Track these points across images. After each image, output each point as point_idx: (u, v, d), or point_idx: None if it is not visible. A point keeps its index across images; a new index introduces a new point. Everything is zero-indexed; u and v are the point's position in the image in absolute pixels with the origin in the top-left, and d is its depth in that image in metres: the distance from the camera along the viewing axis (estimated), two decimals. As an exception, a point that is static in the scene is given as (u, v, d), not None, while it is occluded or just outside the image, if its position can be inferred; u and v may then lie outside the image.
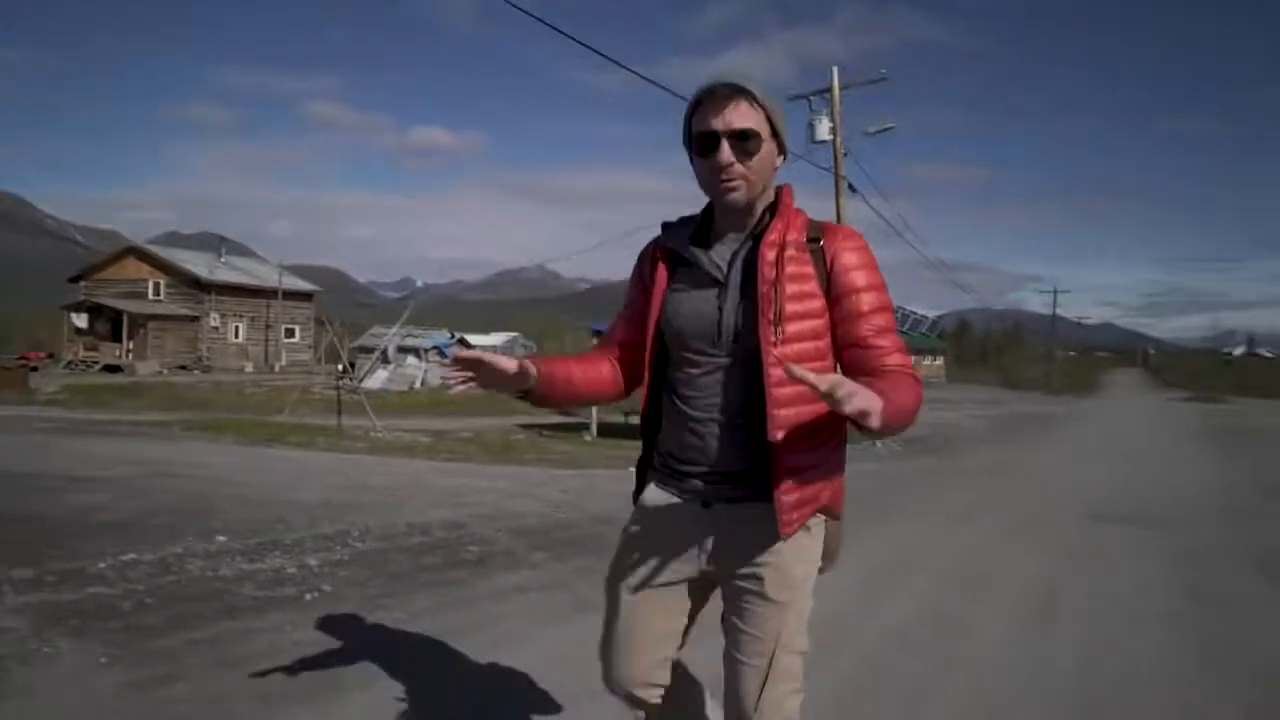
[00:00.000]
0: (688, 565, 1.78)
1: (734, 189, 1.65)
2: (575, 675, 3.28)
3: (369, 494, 7.78)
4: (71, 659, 3.20)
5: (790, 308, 1.63)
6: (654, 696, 1.88)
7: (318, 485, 8.10)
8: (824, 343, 1.68)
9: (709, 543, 1.76)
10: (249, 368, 41.65)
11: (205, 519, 5.90)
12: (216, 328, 43.02)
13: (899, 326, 1.76)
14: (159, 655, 3.28)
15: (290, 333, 47.57)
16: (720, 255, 1.72)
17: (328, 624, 3.79)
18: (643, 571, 1.81)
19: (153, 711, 2.81)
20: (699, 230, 1.77)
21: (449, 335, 38.23)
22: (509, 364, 1.63)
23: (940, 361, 59.53)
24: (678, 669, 1.92)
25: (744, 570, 1.72)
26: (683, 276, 1.75)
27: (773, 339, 1.62)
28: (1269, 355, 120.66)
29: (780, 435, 1.61)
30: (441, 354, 36.21)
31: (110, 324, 39.71)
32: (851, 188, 19.79)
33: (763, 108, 1.65)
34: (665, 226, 1.83)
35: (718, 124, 1.62)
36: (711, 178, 1.67)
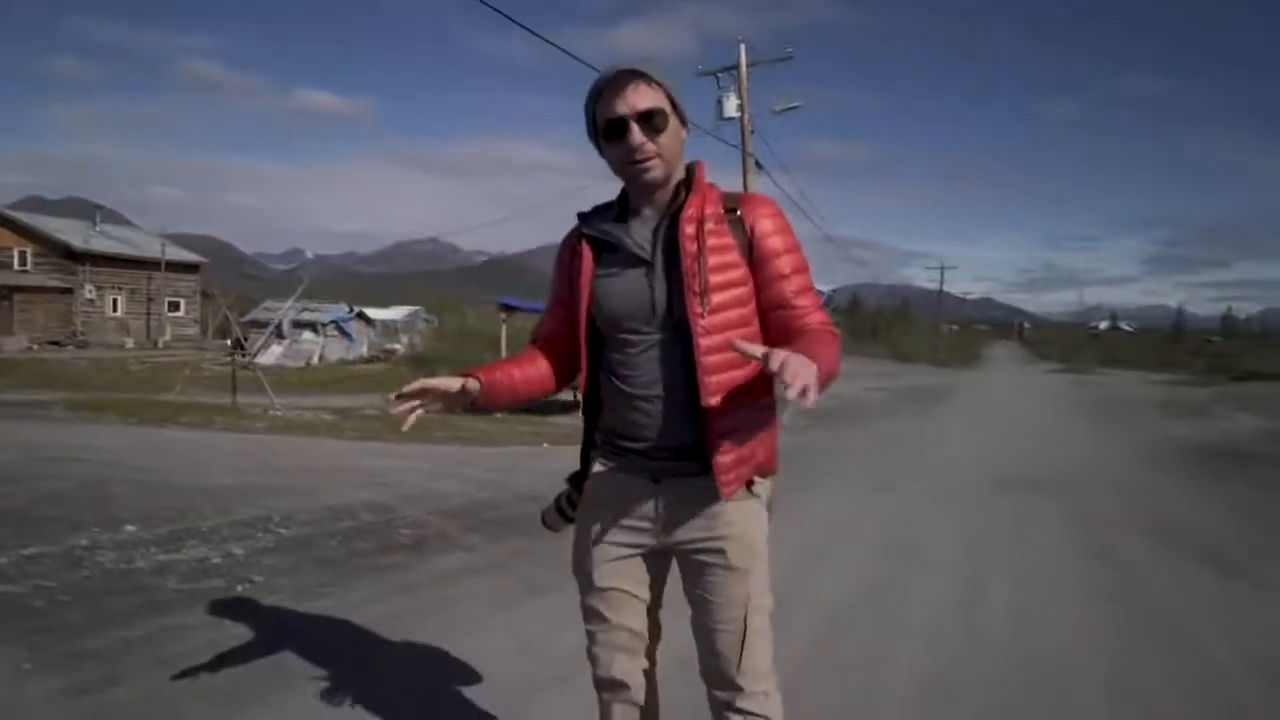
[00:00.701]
0: (644, 537, 1.82)
1: (650, 168, 1.71)
2: (537, 661, 3.26)
3: (282, 476, 7.48)
4: (-12, 666, 2.95)
5: (714, 279, 1.68)
6: (637, 674, 1.89)
7: (224, 468, 7.73)
8: (749, 309, 1.74)
9: (660, 516, 1.80)
10: (130, 343, 39.23)
11: (106, 507, 5.55)
12: (92, 300, 40.30)
13: None
14: (89, 657, 3.06)
15: (175, 306, 45.03)
16: (642, 235, 1.76)
17: (266, 616, 3.62)
18: (604, 547, 1.85)
19: (96, 717, 2.63)
20: (618, 214, 1.82)
21: (347, 309, 36.95)
22: (453, 384, 1.71)
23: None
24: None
25: (704, 544, 1.78)
26: (608, 261, 1.78)
27: (699, 310, 1.67)
28: (1129, 329, 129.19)
29: (713, 401, 1.68)
30: (340, 328, 35.00)
31: (-32, 296, 36.69)
32: (758, 165, 20.08)
33: (661, 86, 1.70)
34: (582, 216, 1.86)
35: (623, 108, 1.67)
36: (625, 161, 1.71)
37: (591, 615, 1.89)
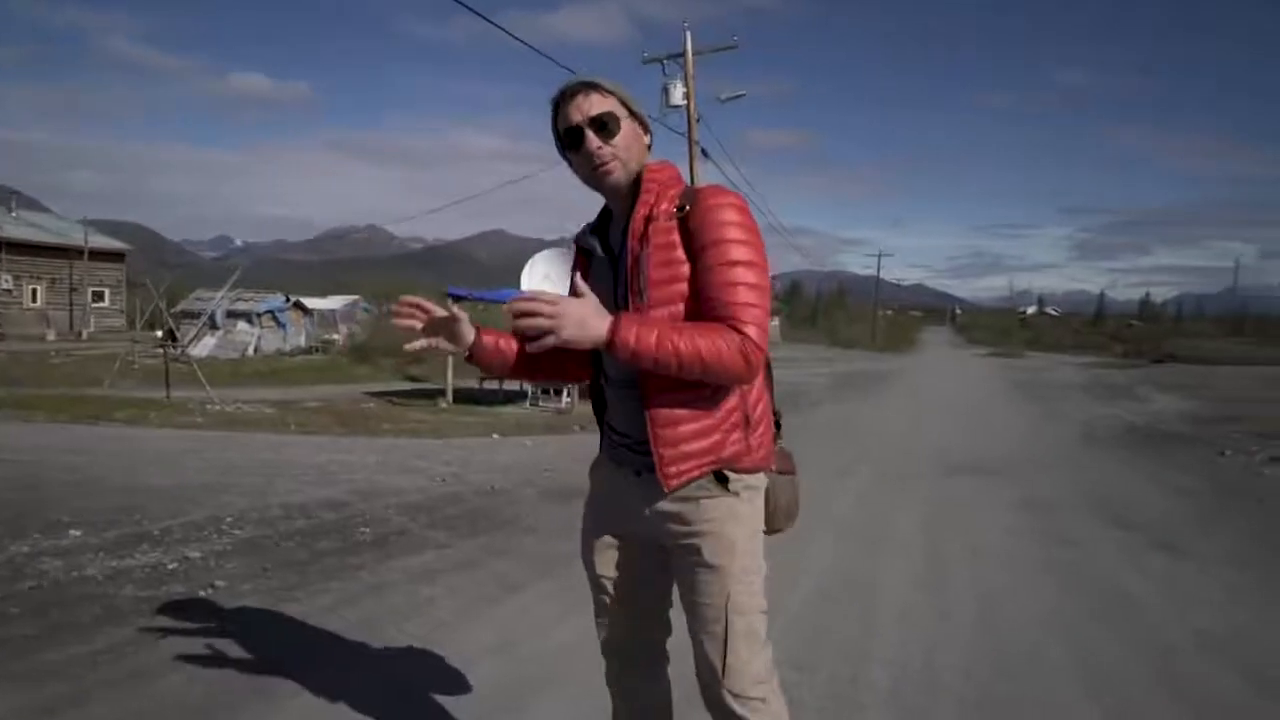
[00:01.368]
0: (637, 528, 1.87)
1: (609, 171, 1.77)
2: (523, 660, 3.22)
3: (228, 474, 7.23)
4: (-60, 686, 2.79)
5: (655, 275, 1.71)
6: (640, 648, 1.98)
7: (166, 466, 7.43)
8: (692, 305, 1.74)
9: (645, 510, 1.82)
10: (52, 335, 37.50)
11: (45, 511, 5.28)
12: (9, 290, 38.42)
13: None
14: (51, 673, 2.91)
15: (99, 296, 43.15)
16: (614, 238, 1.84)
17: (236, 623, 3.49)
18: (605, 537, 1.95)
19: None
20: (600, 222, 1.90)
21: (284, 299, 35.94)
22: (442, 310, 1.82)
23: (777, 322, 62.26)
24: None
25: (683, 540, 1.80)
26: (594, 265, 1.88)
27: (639, 306, 1.72)
28: (1055, 313, 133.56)
29: (651, 393, 1.74)
30: (276, 319, 34.04)
31: None
32: (705, 153, 20.11)
33: (613, 94, 1.78)
34: (578, 234, 1.95)
35: (577, 116, 1.75)
36: (586, 167, 1.78)
37: (596, 602, 1.99)
